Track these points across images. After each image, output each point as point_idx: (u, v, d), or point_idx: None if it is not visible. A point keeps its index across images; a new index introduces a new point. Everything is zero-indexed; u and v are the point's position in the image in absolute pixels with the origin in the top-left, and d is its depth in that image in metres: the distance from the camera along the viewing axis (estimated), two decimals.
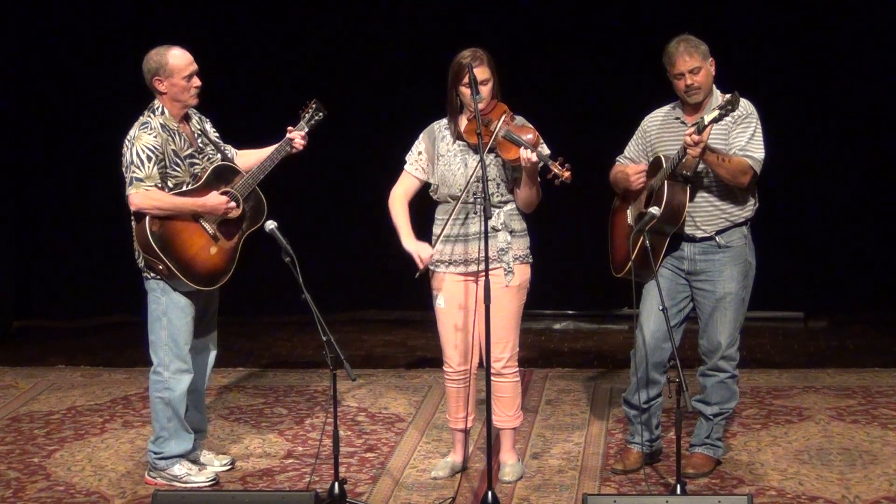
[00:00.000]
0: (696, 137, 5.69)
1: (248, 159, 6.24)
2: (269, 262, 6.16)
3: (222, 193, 6.04)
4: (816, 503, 5.84)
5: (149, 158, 5.88)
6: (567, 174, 5.73)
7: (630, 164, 6.16)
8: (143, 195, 5.87)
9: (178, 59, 5.98)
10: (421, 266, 5.97)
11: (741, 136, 5.89)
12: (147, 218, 5.89)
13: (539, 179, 5.92)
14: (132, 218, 5.99)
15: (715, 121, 5.71)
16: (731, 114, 5.74)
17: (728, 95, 5.74)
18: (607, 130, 6.66)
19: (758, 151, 5.91)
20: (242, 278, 6.17)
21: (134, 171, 5.87)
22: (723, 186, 5.95)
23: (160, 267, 5.93)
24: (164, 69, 5.95)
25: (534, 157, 5.75)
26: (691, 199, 5.93)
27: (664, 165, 5.91)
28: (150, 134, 5.91)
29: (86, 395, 7.81)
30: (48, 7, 9.39)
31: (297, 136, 6.17)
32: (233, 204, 6.03)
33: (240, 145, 6.34)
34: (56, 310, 9.80)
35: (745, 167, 5.86)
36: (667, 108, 6.14)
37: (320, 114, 6.29)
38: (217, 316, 6.34)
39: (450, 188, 5.99)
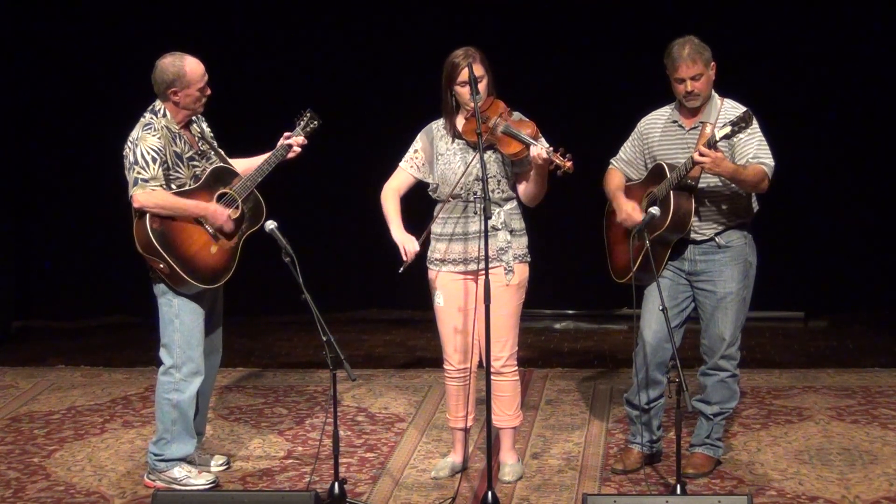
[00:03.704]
0: (706, 151, 5.66)
1: (239, 166, 6.23)
2: (269, 262, 6.16)
3: (220, 195, 6.05)
4: (816, 503, 5.84)
5: (154, 160, 5.87)
6: (569, 164, 5.73)
7: (625, 191, 6.13)
8: (148, 194, 5.86)
9: (194, 70, 5.96)
10: (406, 259, 5.94)
11: (749, 145, 5.88)
12: (148, 216, 5.88)
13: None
14: (133, 218, 5.98)
15: (726, 137, 5.71)
16: (744, 130, 5.74)
17: (741, 111, 5.73)
18: (607, 128, 6.66)
19: (768, 157, 5.90)
20: (242, 278, 6.17)
21: (139, 172, 5.86)
22: (724, 193, 5.95)
23: (161, 266, 5.92)
24: (182, 80, 5.92)
25: (544, 154, 5.74)
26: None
27: (668, 175, 5.91)
28: (153, 135, 5.91)
29: (86, 395, 7.81)
30: (47, 9, 9.40)
31: (295, 143, 6.16)
32: (231, 222, 6.03)
33: (237, 150, 6.33)
34: (56, 310, 9.80)
35: (763, 174, 5.86)
36: (664, 110, 6.13)
37: (315, 122, 6.28)
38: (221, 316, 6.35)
39: (450, 187, 5.99)
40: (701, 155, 5.70)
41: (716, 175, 5.82)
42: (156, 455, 6.14)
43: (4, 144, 9.42)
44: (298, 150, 6.20)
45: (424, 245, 6.03)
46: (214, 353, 6.32)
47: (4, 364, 8.61)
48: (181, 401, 6.07)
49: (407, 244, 5.95)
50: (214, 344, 6.30)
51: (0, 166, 9.41)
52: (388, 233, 6.03)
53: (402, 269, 5.96)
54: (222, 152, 6.20)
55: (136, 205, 5.89)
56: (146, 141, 5.89)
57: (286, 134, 6.22)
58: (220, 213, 6.00)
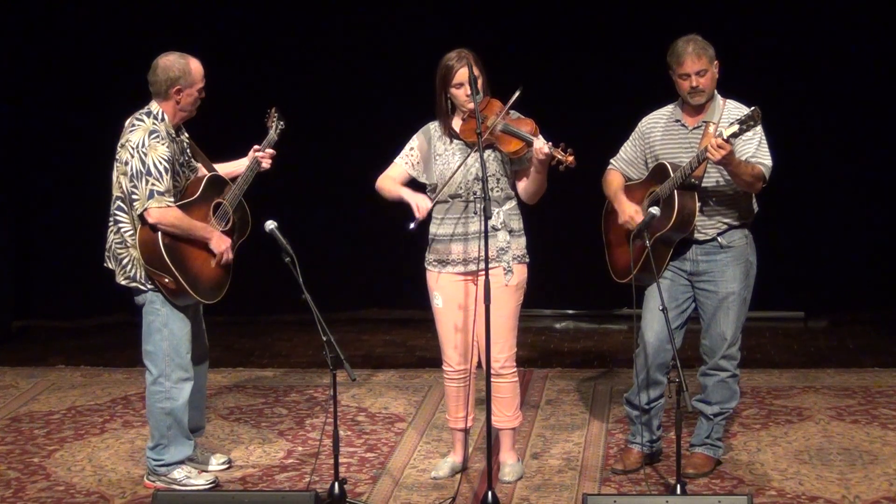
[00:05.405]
0: (721, 142, 5.62)
1: (220, 171, 6.22)
2: (269, 262, 6.15)
3: (216, 204, 6.05)
4: (816, 503, 5.85)
5: (166, 171, 5.82)
6: (571, 159, 5.73)
7: (626, 191, 6.13)
8: (164, 212, 5.81)
9: (198, 69, 5.93)
10: (418, 215, 5.87)
11: (749, 145, 5.87)
12: (160, 232, 5.83)
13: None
14: (133, 229, 5.92)
15: (734, 136, 5.67)
16: (752, 129, 5.72)
17: (749, 110, 5.71)
18: (607, 129, 6.66)
19: (767, 158, 5.90)
20: (242, 278, 6.17)
21: (154, 184, 5.80)
22: (727, 193, 5.95)
23: (166, 280, 5.89)
24: (187, 78, 5.88)
25: (546, 149, 5.74)
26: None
27: (672, 174, 5.90)
28: (162, 144, 5.84)
29: (86, 395, 7.81)
30: (48, 9, 9.40)
31: (265, 158, 6.15)
32: (231, 254, 6.04)
33: (230, 150, 6.33)
34: (56, 310, 9.80)
35: (760, 174, 5.86)
36: (665, 110, 6.13)
37: (282, 122, 6.29)
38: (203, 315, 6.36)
39: (449, 187, 5.99)
40: (718, 147, 5.63)
41: (723, 165, 5.78)
42: (155, 460, 6.13)
43: (4, 144, 9.41)
44: (269, 165, 6.18)
45: (425, 239, 6.02)
46: (204, 355, 6.33)
47: (4, 364, 8.61)
48: (175, 408, 6.05)
49: (420, 201, 5.90)
50: (202, 346, 6.31)
51: (0, 166, 9.41)
52: (387, 232, 6.01)
53: (413, 225, 5.87)
54: (204, 156, 6.19)
55: (151, 220, 5.81)
56: (156, 150, 5.81)
57: (255, 147, 6.19)
58: (224, 241, 6.01)
